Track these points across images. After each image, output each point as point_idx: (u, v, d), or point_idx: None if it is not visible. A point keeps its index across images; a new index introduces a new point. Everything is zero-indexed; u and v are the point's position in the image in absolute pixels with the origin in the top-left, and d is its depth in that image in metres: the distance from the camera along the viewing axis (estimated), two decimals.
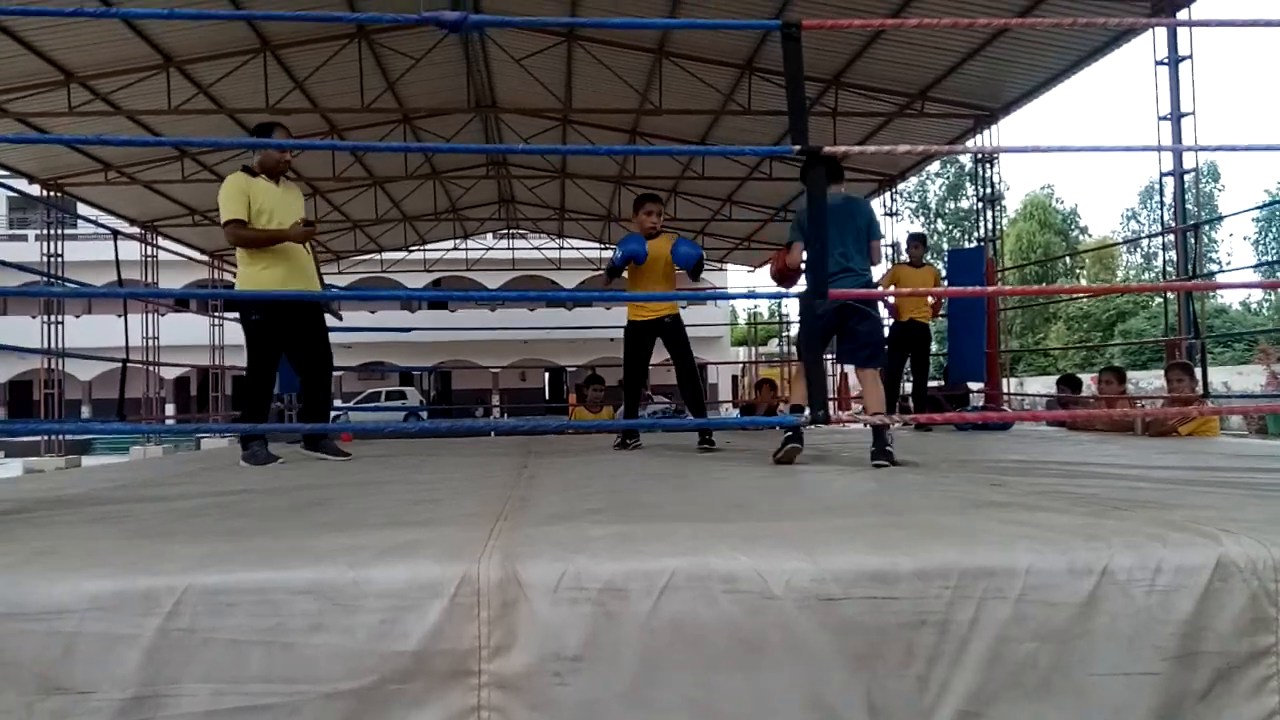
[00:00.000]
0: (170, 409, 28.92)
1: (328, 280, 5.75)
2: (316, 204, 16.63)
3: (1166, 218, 8.33)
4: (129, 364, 7.53)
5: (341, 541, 1.83)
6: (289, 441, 5.14)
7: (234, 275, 4.68)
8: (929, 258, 7.94)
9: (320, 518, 2.31)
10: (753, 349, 31.38)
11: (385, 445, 6.18)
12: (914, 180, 45.26)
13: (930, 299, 7.76)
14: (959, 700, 1.60)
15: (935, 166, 46.44)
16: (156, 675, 1.52)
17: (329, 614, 1.57)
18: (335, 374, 5.05)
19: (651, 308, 5.19)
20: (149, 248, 15.43)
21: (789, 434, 3.81)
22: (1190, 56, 7.72)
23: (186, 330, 19.40)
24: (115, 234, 8.01)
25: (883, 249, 4.27)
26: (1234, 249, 46.77)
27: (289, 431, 5.41)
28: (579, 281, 30.04)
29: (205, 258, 18.23)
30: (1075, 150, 2.83)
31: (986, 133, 11.44)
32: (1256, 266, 39.62)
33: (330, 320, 4.77)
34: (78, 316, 31.86)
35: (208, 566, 1.64)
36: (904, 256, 8.34)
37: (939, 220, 48.75)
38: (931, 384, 8.24)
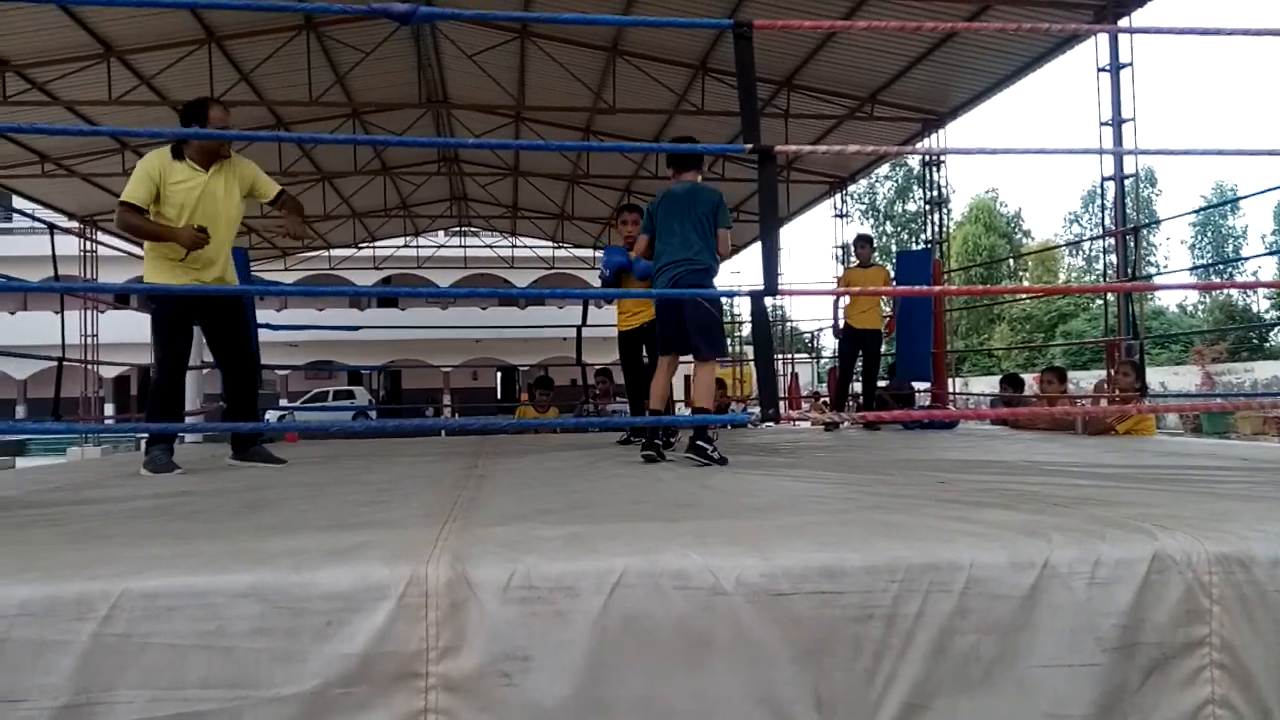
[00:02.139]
0: (110, 409, 28.14)
1: (273, 277, 5.57)
2: None
3: (1107, 221, 8.55)
4: (66, 362, 7.30)
5: (285, 544, 1.80)
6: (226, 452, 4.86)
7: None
8: (878, 259, 8.04)
9: (264, 520, 2.26)
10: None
11: (333, 446, 6.09)
12: (864, 183, 45.84)
13: (886, 313, 7.86)
14: (904, 692, 1.62)
15: (884, 169, 47.16)
16: (90, 682, 1.47)
17: (272, 617, 1.54)
18: (282, 373, 4.88)
19: (635, 316, 5.25)
20: (88, 242, 15.01)
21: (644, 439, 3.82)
22: (1131, 64, 7.94)
23: (127, 327, 18.91)
24: (52, 228, 7.76)
25: (729, 239, 4.19)
26: (1171, 253, 48.20)
27: (225, 432, 5.01)
28: (532, 280, 29.88)
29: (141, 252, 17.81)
30: (1020, 152, 2.89)
31: (935, 136, 11.64)
32: (1193, 269, 40.89)
33: (269, 317, 4.50)
34: (12, 313, 30.95)
35: (145, 570, 1.59)
36: (853, 259, 8.44)
37: (888, 222, 49.49)
38: (880, 383, 8.35)
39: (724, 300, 5.16)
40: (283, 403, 28.09)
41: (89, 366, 14.09)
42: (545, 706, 1.55)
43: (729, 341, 22.64)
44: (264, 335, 6.86)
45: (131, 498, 2.90)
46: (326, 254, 23.06)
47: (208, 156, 3.95)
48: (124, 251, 14.59)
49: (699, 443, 3.78)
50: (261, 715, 1.51)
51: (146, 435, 4.25)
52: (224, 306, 4.15)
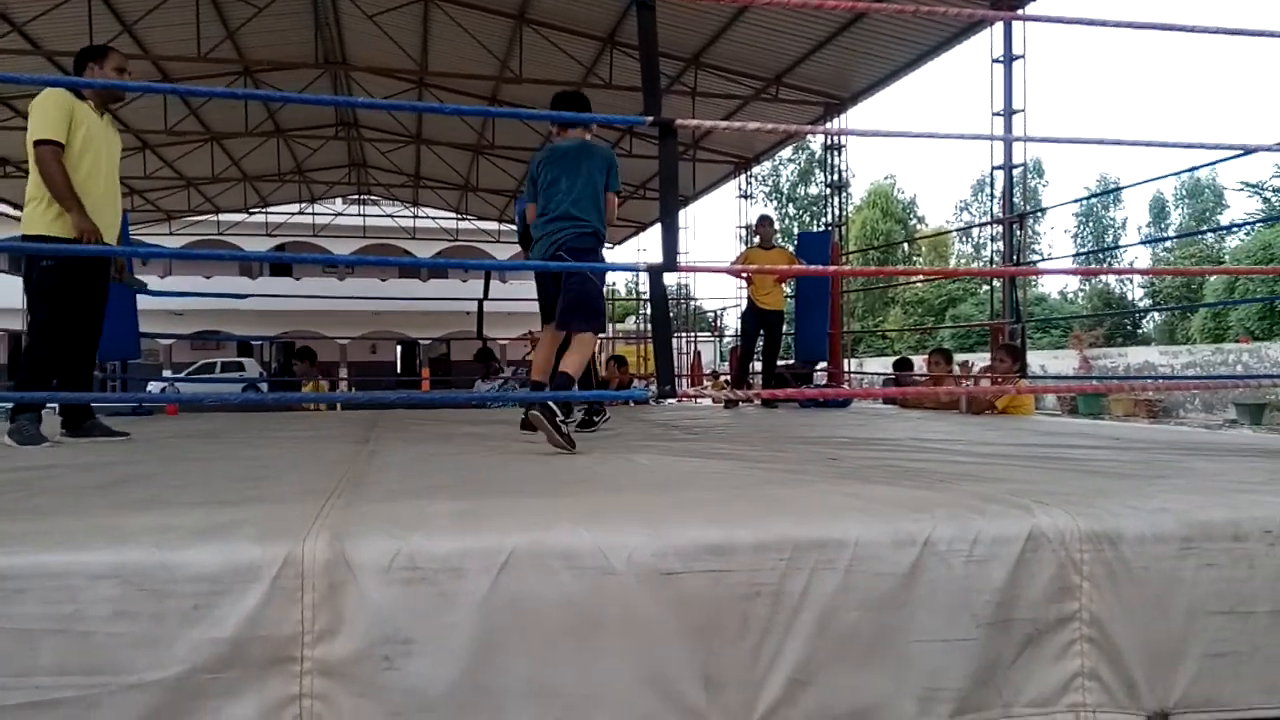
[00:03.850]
0: None
1: (156, 242, 5.22)
2: (146, 158, 15.45)
3: (995, 209, 8.88)
4: None
5: (151, 521, 1.69)
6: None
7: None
8: (779, 240, 8.15)
9: (131, 495, 2.13)
10: (610, 325, 31.54)
11: (216, 420, 5.83)
12: (767, 165, 46.48)
13: (788, 294, 7.97)
14: (789, 669, 1.64)
15: (788, 153, 47.86)
16: None
17: (134, 600, 1.45)
18: (165, 343, 4.58)
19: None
20: None
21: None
22: (1023, 56, 8.23)
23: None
24: None
25: (616, 205, 3.97)
26: (1055, 242, 50.53)
27: (96, 402, 4.59)
28: (435, 252, 29.27)
29: (18, 213, 16.64)
30: (915, 136, 2.95)
31: (836, 121, 11.85)
32: (1074, 256, 42.96)
33: (154, 284, 4.22)
34: None
35: None
36: (755, 239, 8.53)
37: (790, 205, 50.33)
38: (781, 362, 8.50)
39: (624, 275, 5.09)
40: (166, 373, 26.85)
41: None
42: (428, 691, 1.51)
43: (639, 320, 22.72)
44: (145, 302, 6.50)
45: None
46: (215, 219, 22.05)
47: (104, 102, 3.81)
48: None
49: (595, 416, 3.69)
50: (122, 703, 1.43)
51: (10, 405, 3.92)
52: (106, 270, 3.93)
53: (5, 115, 12.77)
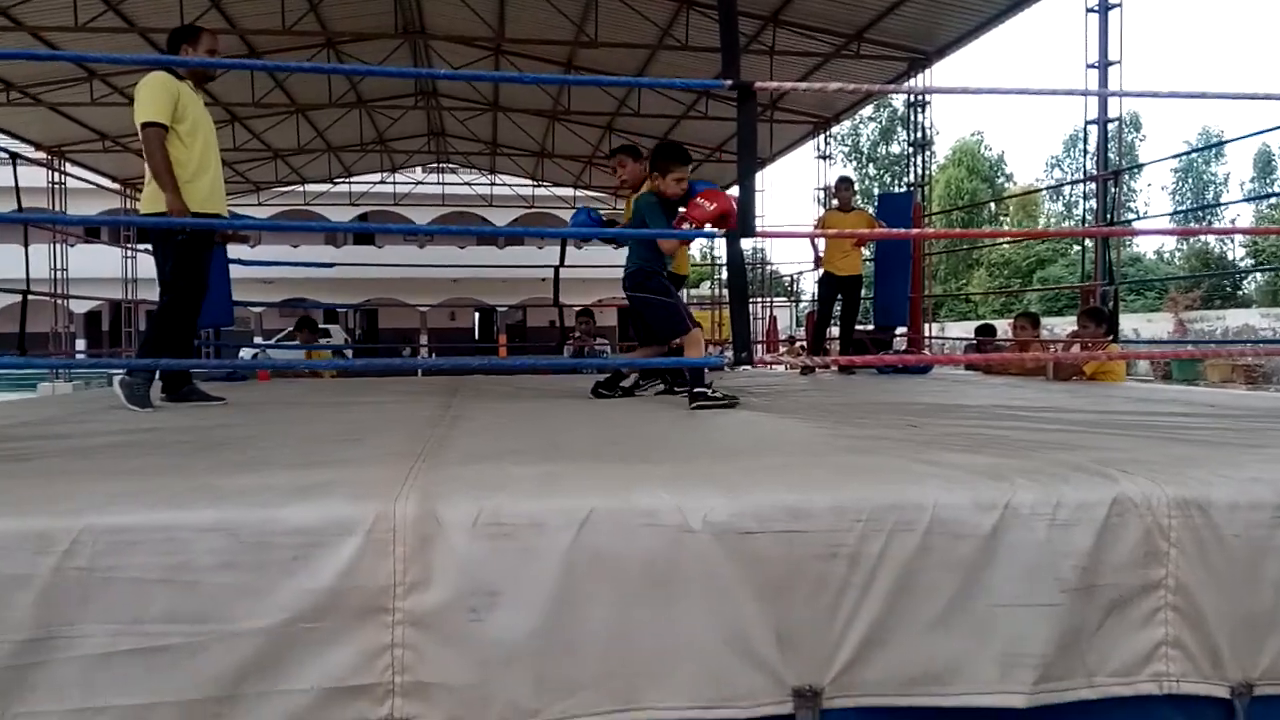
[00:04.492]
0: (81, 344, 27.81)
1: (245, 212, 5.43)
2: (235, 131, 15.94)
3: (1089, 165, 8.53)
4: (31, 296, 7.17)
5: (252, 481, 1.79)
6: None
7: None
8: (859, 201, 7.98)
9: (232, 457, 2.24)
10: (685, 292, 31.46)
11: (305, 385, 6.05)
12: (847, 124, 45.41)
13: (867, 257, 7.81)
14: (865, 629, 1.65)
15: (868, 111, 46.68)
16: (51, 617, 1.47)
17: (237, 551, 1.54)
18: (256, 310, 4.77)
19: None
20: (55, 174, 14.65)
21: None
22: (1120, 4, 7.84)
23: (97, 262, 18.57)
24: (14, 157, 7.55)
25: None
26: (1152, 199, 48.29)
27: (201, 369, 4.92)
28: (511, 219, 29.54)
29: (117, 186, 17.37)
30: (1003, 92, 2.86)
31: (920, 76, 11.48)
32: (1172, 215, 41.03)
33: (241, 253, 4.37)
34: None
35: (107, 506, 1.58)
36: (834, 202, 8.37)
37: (870, 165, 49.16)
38: (859, 327, 8.37)
39: (699, 241, 5.05)
40: (257, 340, 27.85)
41: (57, 301, 13.86)
42: (511, 641, 1.57)
43: (714, 285, 22.56)
44: (237, 271, 6.76)
45: (97, 434, 2.86)
46: (301, 189, 22.65)
47: (199, 81, 4.03)
48: (93, 184, 14.30)
49: (696, 389, 3.72)
50: (226, 649, 1.51)
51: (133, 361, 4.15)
52: (214, 242, 4.15)
53: (103, 92, 13.30)
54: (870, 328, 8.90)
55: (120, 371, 3.87)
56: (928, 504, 1.69)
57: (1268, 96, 2.92)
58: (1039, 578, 1.70)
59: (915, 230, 8.86)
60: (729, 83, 2.78)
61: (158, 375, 4.06)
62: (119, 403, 3.65)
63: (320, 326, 30.78)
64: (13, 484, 1.84)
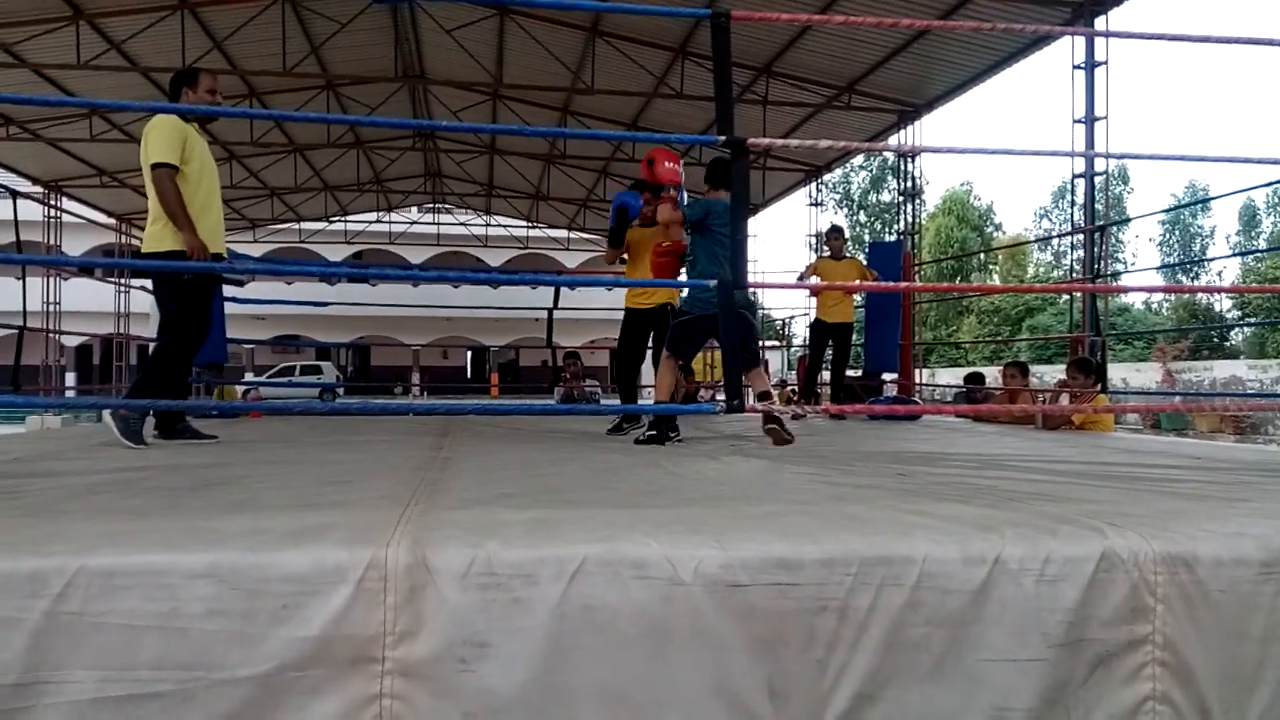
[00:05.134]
0: (71, 378, 27.67)
1: (240, 249, 5.50)
2: (233, 169, 16.07)
3: (1077, 217, 8.66)
4: (27, 331, 7.16)
5: (244, 523, 1.79)
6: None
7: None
8: (850, 249, 8.08)
9: (224, 498, 2.24)
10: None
11: (297, 423, 6.04)
12: (839, 172, 45.99)
13: (858, 303, 7.89)
14: (856, 683, 1.65)
15: (859, 159, 47.28)
16: (41, 661, 1.46)
17: (228, 598, 1.53)
18: (248, 346, 4.82)
19: (650, 296, 5.33)
20: (52, 209, 14.71)
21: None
22: (1106, 62, 8.03)
23: (90, 296, 18.55)
24: (14, 194, 7.59)
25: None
26: (1139, 250, 48.89)
27: (193, 410, 4.96)
28: (505, 260, 29.72)
29: (113, 221, 17.44)
30: (989, 152, 2.92)
31: (910, 128, 11.70)
32: (1160, 268, 41.52)
33: (235, 291, 4.47)
34: None
35: (101, 547, 1.58)
36: (825, 250, 8.45)
37: (861, 212, 49.72)
38: (850, 373, 8.41)
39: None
40: (248, 376, 27.76)
41: (50, 335, 13.83)
42: (502, 693, 1.56)
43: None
44: (230, 307, 6.79)
45: (90, 472, 2.86)
46: (297, 226, 22.76)
47: (203, 124, 4.15)
48: (83, 219, 14.35)
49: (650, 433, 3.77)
50: (216, 697, 1.50)
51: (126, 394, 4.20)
52: (215, 282, 4.28)
53: (102, 128, 13.41)
54: (859, 373, 8.95)
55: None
56: (917, 558, 1.70)
57: (1247, 160, 3.00)
58: (1027, 632, 1.70)
59: (904, 284, 8.96)
60: (723, 138, 2.84)
61: (152, 412, 4.06)
62: (112, 438, 3.65)
63: (312, 364, 30.82)
64: (5, 523, 1.84)
